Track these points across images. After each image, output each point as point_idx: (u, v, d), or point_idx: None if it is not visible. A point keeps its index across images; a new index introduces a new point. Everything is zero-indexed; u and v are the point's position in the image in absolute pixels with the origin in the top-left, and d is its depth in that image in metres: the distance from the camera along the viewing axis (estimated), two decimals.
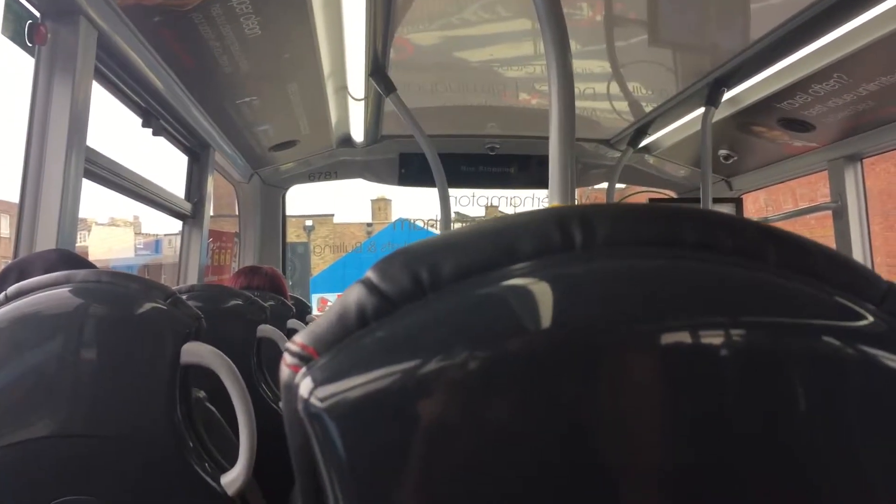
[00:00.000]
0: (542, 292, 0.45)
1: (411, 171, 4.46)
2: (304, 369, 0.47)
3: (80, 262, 1.59)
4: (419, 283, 0.46)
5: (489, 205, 6.11)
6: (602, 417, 0.45)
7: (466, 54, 3.24)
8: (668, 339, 0.45)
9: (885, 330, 0.46)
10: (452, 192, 3.77)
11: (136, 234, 19.38)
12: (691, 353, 0.45)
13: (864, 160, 3.36)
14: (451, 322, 0.45)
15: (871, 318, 0.46)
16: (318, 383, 0.46)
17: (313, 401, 0.46)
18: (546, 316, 0.45)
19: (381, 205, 19.33)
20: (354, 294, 0.47)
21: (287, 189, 4.65)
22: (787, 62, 2.71)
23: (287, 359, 0.48)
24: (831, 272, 0.47)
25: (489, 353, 0.44)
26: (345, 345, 0.46)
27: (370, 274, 0.47)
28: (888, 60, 2.53)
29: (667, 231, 0.47)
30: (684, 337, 0.45)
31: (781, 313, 0.46)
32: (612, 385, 0.45)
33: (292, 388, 0.47)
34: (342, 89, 3.37)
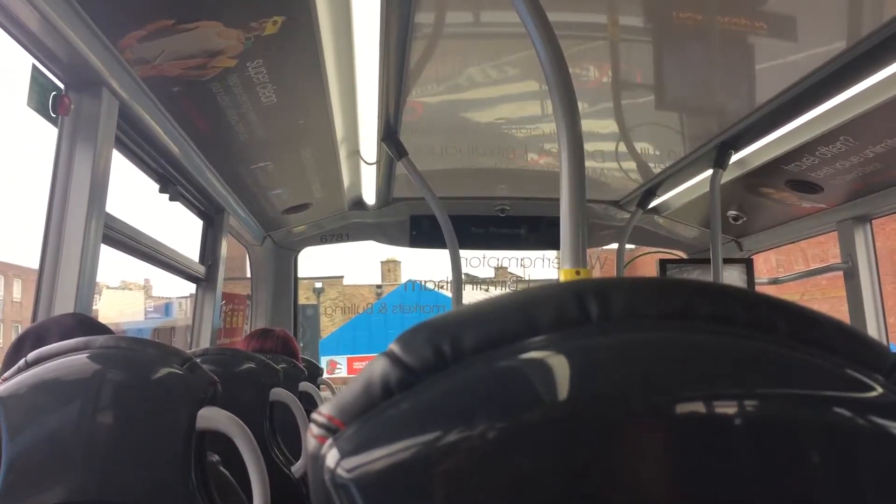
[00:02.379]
0: (560, 365, 0.47)
1: (422, 233, 4.50)
2: (330, 440, 0.48)
3: (96, 326, 1.61)
4: (441, 355, 0.47)
5: (499, 266, 6.13)
6: (619, 488, 0.46)
7: (476, 118, 3.30)
8: (683, 410, 0.46)
9: (895, 401, 0.47)
10: (463, 253, 3.80)
11: (146, 297, 19.45)
12: (705, 423, 0.46)
13: (873, 221, 3.37)
14: (473, 393, 0.47)
15: (880, 390, 0.47)
16: (344, 454, 0.47)
17: (340, 472, 0.47)
18: (564, 388, 0.46)
19: (390, 266, 19.40)
20: (379, 366, 0.48)
21: (299, 251, 4.70)
22: (793, 125, 2.75)
23: (313, 429, 0.49)
24: (841, 344, 0.48)
25: (509, 424, 0.46)
26: (370, 416, 0.47)
27: (394, 346, 0.49)
28: (893, 123, 2.56)
29: (681, 304, 0.48)
30: (698, 408, 0.46)
31: (793, 385, 0.47)
32: (629, 456, 0.46)
33: (319, 458, 0.48)
34: (355, 154, 3.44)
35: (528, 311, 0.48)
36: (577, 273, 1.52)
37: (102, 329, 1.61)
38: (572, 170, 1.57)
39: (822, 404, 0.47)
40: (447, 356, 0.47)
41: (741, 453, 0.46)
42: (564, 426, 0.45)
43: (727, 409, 0.46)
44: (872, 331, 3.32)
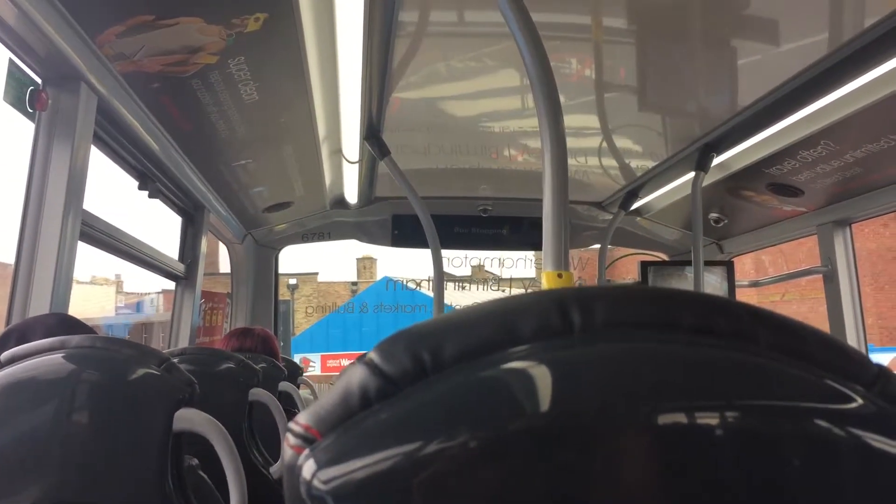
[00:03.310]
0: (542, 375, 0.46)
1: (404, 232, 4.49)
2: (307, 451, 0.47)
3: (80, 326, 1.59)
4: (421, 364, 0.47)
5: (476, 264, 6.15)
6: (601, 500, 0.45)
7: (459, 117, 3.30)
8: (665, 421, 0.46)
9: (875, 412, 0.47)
10: (445, 252, 3.79)
11: (117, 293, 19.12)
12: (688, 435, 0.46)
13: (852, 224, 3.40)
14: (453, 404, 0.46)
15: (860, 401, 0.47)
16: (321, 465, 0.46)
17: (316, 483, 0.46)
18: (546, 399, 0.46)
19: (366, 263, 19.33)
20: (357, 375, 0.47)
21: (280, 250, 4.67)
22: (775, 129, 2.76)
23: (290, 439, 0.48)
24: (823, 355, 0.48)
25: (490, 436, 0.45)
26: (348, 426, 0.46)
27: (373, 355, 0.48)
28: (873, 128, 2.58)
29: (664, 315, 0.48)
30: (681, 419, 0.46)
31: (774, 396, 0.47)
32: (612, 468, 0.45)
33: (295, 469, 0.47)
34: (337, 152, 3.42)
35: (509, 321, 0.47)
36: (560, 276, 1.51)
37: (87, 330, 1.59)
38: (555, 172, 1.57)
39: (803, 416, 0.47)
40: (427, 366, 0.46)
41: (723, 465, 0.46)
42: (547, 438, 0.45)
43: (709, 420, 0.46)
44: (851, 333, 3.36)
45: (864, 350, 3.45)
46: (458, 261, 5.08)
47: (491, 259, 5.27)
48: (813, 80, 2.31)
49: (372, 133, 3.15)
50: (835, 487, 0.47)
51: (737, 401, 0.46)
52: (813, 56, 2.19)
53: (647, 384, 0.46)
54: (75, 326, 1.56)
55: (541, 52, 1.60)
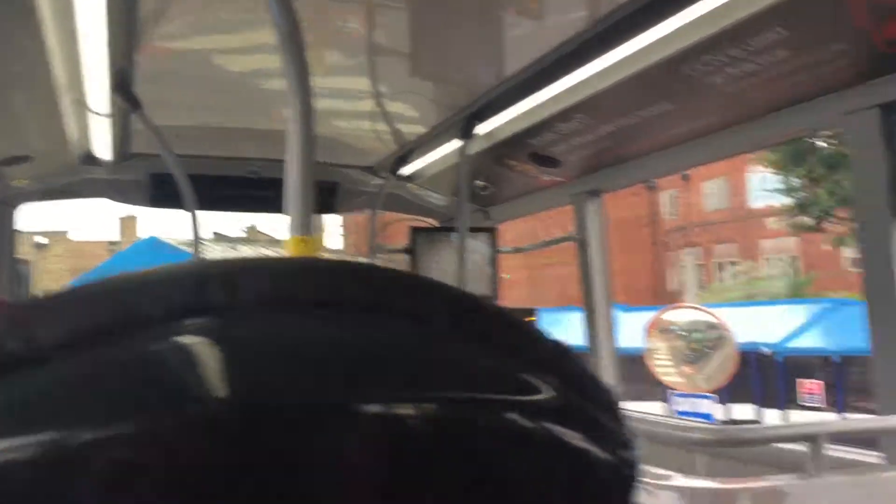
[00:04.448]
0: (155, 364, 0.37)
1: (165, 192, 4.17)
2: None
3: None
4: (10, 355, 0.36)
5: (250, 225, 5.96)
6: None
7: (223, 72, 3.10)
8: (320, 413, 0.38)
9: (562, 404, 0.43)
10: (218, 213, 3.60)
11: None
12: (344, 426, 0.39)
13: (603, 195, 3.62)
14: (39, 403, 0.36)
15: (548, 392, 0.43)
16: None
17: None
18: (171, 392, 0.37)
19: (127, 222, 18.11)
20: None
21: (17, 206, 4.21)
22: (534, 101, 2.85)
23: None
24: (508, 340, 0.43)
25: (98, 435, 0.36)
26: None
27: None
28: (624, 103, 2.73)
29: (326, 290, 0.41)
30: (331, 408, 0.39)
31: (451, 383, 0.41)
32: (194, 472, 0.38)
33: None
34: (80, 103, 3.10)
35: (129, 301, 0.38)
36: (304, 241, 1.44)
37: None
38: (300, 130, 1.48)
39: (486, 406, 0.42)
40: (15, 356, 0.36)
41: (397, 456, 0.40)
42: (170, 435, 0.37)
43: (372, 409, 0.39)
44: (600, 296, 3.59)
45: (609, 310, 3.70)
46: (232, 222, 4.86)
47: (267, 220, 5.12)
48: (571, 53, 2.40)
49: (121, 84, 2.88)
50: (522, 477, 0.43)
51: (403, 393, 0.40)
52: (571, 29, 2.26)
53: (299, 370, 0.39)
54: None
55: (289, 6, 1.50)
